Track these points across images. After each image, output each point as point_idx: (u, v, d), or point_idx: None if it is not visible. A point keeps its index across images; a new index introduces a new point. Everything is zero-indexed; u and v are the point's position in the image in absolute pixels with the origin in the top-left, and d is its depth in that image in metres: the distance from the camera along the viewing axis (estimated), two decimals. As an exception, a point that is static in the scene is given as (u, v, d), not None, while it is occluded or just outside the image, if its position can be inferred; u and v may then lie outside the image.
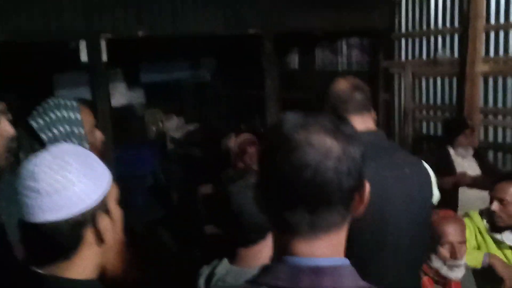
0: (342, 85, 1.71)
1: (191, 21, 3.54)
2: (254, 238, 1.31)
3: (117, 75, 6.37)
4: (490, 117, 3.91)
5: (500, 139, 3.86)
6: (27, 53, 4.01)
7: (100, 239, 0.89)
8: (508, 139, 3.82)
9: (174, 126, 6.41)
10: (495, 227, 2.10)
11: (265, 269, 0.77)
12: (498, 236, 2.10)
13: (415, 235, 1.50)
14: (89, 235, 0.88)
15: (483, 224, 2.16)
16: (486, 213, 2.15)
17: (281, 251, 0.76)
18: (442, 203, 1.73)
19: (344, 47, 5.28)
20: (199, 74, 6.75)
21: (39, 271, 0.89)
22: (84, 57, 2.95)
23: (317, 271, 0.72)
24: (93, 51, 2.98)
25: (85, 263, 0.89)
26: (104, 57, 3.03)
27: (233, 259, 1.34)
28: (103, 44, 3.02)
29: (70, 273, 0.88)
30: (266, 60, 4.01)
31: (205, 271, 1.39)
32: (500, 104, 3.82)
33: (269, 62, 4.06)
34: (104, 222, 0.89)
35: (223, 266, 1.34)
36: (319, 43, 5.54)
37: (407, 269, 1.54)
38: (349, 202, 0.75)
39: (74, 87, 5.57)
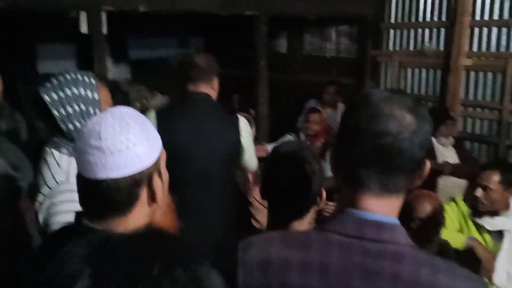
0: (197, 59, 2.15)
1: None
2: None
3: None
4: (470, 109, 4.11)
5: (478, 130, 4.08)
6: (21, 22, 3.93)
7: (152, 198, 0.96)
8: (485, 131, 4.04)
9: (158, 104, 6.41)
10: (476, 212, 2.27)
11: (333, 219, 0.88)
12: (478, 220, 2.27)
13: (219, 173, 2.06)
14: (143, 194, 0.95)
15: (465, 208, 2.34)
16: (469, 199, 2.32)
17: (348, 204, 0.86)
18: (423, 188, 1.87)
19: (333, 34, 5.39)
20: (187, 52, 6.72)
21: (93, 226, 0.95)
22: (84, 28, 2.94)
23: (380, 226, 0.83)
24: (94, 23, 2.98)
25: (137, 220, 0.96)
26: (105, 30, 3.04)
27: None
28: (103, 16, 3.01)
29: (122, 229, 0.94)
30: (260, 42, 4.07)
31: None
32: (479, 97, 4.02)
33: (262, 44, 4.13)
34: (157, 183, 0.96)
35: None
36: (308, 29, 5.63)
37: (219, 203, 2.08)
38: (416, 172, 0.86)
39: (60, 59, 5.50)
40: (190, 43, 6.63)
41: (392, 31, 4.70)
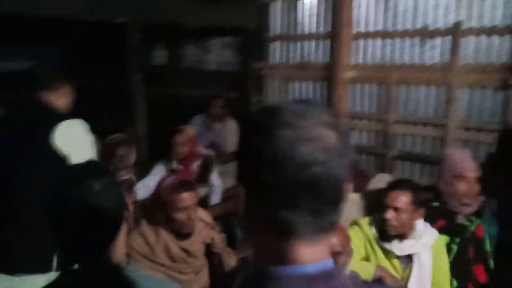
0: None
1: (45, 1, 2.95)
2: None
3: None
4: (356, 120, 4.09)
5: (364, 142, 4.07)
6: None
7: None
8: (371, 142, 4.04)
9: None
10: (384, 236, 2.08)
11: (268, 281, 0.69)
12: (387, 245, 2.08)
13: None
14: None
15: (371, 232, 2.14)
16: (376, 221, 2.13)
17: (273, 258, 0.70)
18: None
19: (215, 46, 5.08)
20: (46, 62, 5.87)
21: None
22: None
23: (328, 276, 0.70)
24: None
25: None
26: None
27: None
28: None
29: None
30: (132, 53, 3.57)
31: None
32: (365, 109, 4.02)
33: (135, 55, 3.64)
34: None
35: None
36: (188, 40, 5.25)
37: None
38: (346, 197, 0.73)
39: None
40: (49, 53, 5.80)
41: (275, 44, 4.54)
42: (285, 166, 0.67)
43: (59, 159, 2.00)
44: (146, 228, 2.16)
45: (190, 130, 3.61)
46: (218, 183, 3.68)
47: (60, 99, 2.16)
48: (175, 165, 3.49)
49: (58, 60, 5.72)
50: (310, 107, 0.72)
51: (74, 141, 2.05)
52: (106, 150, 3.03)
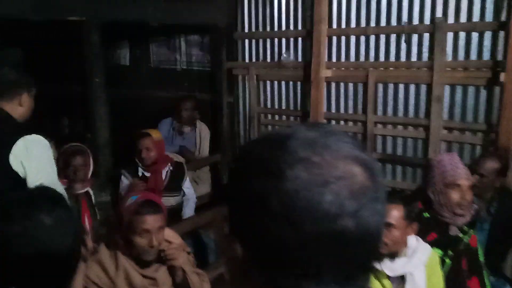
0: None
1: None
2: None
3: None
4: (333, 122, 3.89)
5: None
6: None
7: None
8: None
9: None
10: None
11: None
12: (377, 265, 1.87)
13: None
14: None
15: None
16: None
17: None
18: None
19: (183, 44, 4.79)
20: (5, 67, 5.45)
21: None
22: None
23: None
24: None
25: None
26: None
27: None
28: None
29: None
30: (91, 53, 3.25)
31: None
32: (342, 110, 3.82)
33: (95, 55, 3.31)
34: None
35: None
36: (154, 38, 4.94)
37: None
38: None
39: None
40: (5, 56, 5.38)
41: (247, 41, 4.29)
42: (302, 220, 0.51)
43: (10, 180, 1.83)
44: (104, 254, 1.88)
45: (157, 133, 3.35)
46: (190, 192, 3.43)
47: (17, 108, 1.99)
48: (141, 172, 3.23)
49: (11, 63, 5.32)
50: (327, 134, 0.55)
51: (32, 160, 1.86)
52: (60, 160, 2.76)
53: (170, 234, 2.01)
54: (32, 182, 1.82)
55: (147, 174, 3.22)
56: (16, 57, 5.27)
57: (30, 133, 1.92)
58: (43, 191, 1.20)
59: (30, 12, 2.90)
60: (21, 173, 1.86)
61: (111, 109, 3.53)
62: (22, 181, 1.85)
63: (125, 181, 3.21)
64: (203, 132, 4.16)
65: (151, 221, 1.82)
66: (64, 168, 2.74)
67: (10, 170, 1.84)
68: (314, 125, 0.56)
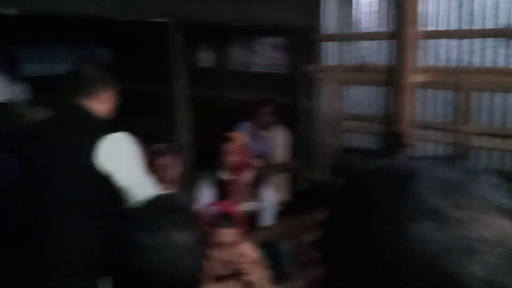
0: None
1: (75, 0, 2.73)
2: None
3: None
4: (418, 130, 3.62)
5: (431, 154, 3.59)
6: None
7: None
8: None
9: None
10: None
11: None
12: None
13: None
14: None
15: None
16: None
17: None
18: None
19: (263, 47, 4.74)
20: (87, 64, 5.78)
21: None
22: None
23: None
24: None
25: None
26: None
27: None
28: None
29: None
30: (175, 54, 3.29)
31: None
32: (430, 118, 3.54)
33: (178, 56, 3.36)
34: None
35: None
36: (235, 41, 4.95)
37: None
38: None
39: None
40: (94, 55, 5.69)
41: (328, 43, 4.14)
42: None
43: (101, 178, 1.79)
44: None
45: (243, 138, 3.29)
46: (271, 200, 3.32)
47: (101, 105, 1.94)
48: (224, 175, 3.20)
49: (99, 61, 5.61)
50: (467, 174, 0.42)
51: (121, 158, 1.82)
52: (147, 161, 2.79)
53: (246, 248, 1.93)
54: (124, 181, 1.79)
55: (228, 178, 3.18)
56: (105, 57, 5.54)
57: (115, 131, 1.86)
58: (175, 207, 1.09)
59: (113, 13, 2.98)
60: (107, 172, 1.80)
61: (192, 111, 3.56)
62: (108, 180, 1.80)
63: (203, 185, 3.20)
64: (280, 137, 4.07)
65: (226, 234, 1.75)
66: (151, 168, 2.76)
67: (95, 169, 1.79)
68: (447, 158, 0.43)
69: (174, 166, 2.78)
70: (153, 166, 2.72)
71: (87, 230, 1.77)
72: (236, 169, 3.13)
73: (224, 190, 3.13)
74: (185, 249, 0.92)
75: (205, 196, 3.11)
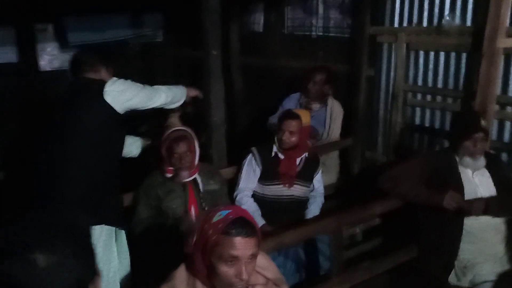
0: None
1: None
2: None
3: (47, 33, 5.21)
4: (509, 108, 2.93)
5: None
6: None
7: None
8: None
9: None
10: None
11: None
12: None
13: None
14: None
15: None
16: None
17: None
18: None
19: (321, 7, 4.16)
20: (143, 32, 5.54)
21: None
22: None
23: None
24: None
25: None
26: None
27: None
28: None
29: None
30: (208, 20, 2.85)
31: None
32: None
33: (212, 23, 2.91)
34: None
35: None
36: (289, 1, 4.40)
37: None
38: None
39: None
40: (146, 22, 5.43)
41: (397, 2, 3.47)
42: None
43: (113, 116, 2.23)
44: (179, 280, 1.49)
45: (307, 117, 2.93)
46: (320, 188, 2.96)
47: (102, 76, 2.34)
48: (275, 152, 2.84)
49: (154, 28, 5.36)
50: None
51: (131, 91, 2.26)
52: (164, 147, 2.49)
53: (262, 263, 1.54)
54: (131, 102, 2.25)
55: (281, 157, 2.81)
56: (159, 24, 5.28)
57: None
58: (65, 221, 0.93)
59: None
60: (119, 109, 2.23)
61: (244, 78, 3.18)
62: (120, 116, 2.25)
63: (252, 160, 2.84)
64: (334, 110, 3.54)
65: (242, 246, 1.36)
66: (168, 156, 2.46)
67: (109, 107, 2.19)
68: None
69: (192, 152, 2.48)
70: (171, 153, 2.43)
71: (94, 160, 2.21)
72: (291, 149, 2.79)
73: (273, 171, 2.80)
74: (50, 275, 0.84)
75: (249, 175, 2.82)
